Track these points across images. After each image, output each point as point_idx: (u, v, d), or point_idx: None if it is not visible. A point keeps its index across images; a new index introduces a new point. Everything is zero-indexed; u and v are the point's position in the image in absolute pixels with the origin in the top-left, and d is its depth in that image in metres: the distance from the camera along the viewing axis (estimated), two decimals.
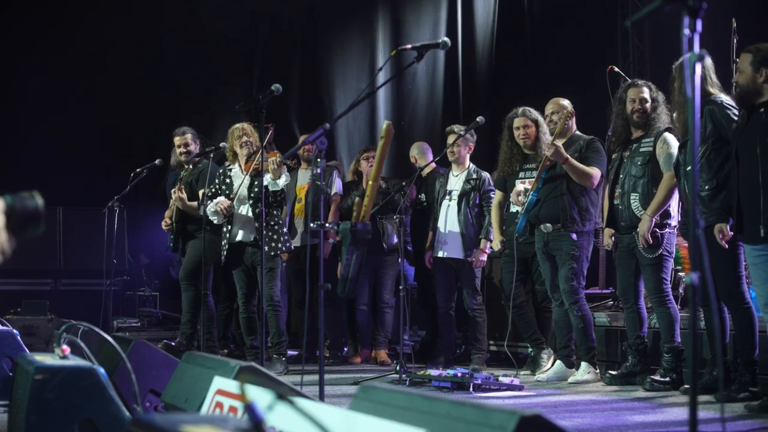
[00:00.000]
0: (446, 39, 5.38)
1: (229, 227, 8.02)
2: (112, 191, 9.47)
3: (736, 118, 5.88)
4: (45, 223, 2.35)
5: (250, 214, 7.97)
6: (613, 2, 12.04)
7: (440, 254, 8.36)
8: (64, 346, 3.75)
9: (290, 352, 8.49)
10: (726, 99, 6.07)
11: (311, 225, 5.56)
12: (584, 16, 11.90)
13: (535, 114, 7.59)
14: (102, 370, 3.57)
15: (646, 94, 6.87)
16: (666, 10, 2.53)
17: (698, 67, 2.50)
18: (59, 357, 3.70)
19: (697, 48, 2.52)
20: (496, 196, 8.02)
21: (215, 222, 7.99)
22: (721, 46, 7.85)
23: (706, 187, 5.95)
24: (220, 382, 3.58)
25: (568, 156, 7.07)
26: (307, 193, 8.94)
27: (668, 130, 6.72)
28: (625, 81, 7.67)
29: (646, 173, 6.74)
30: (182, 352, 6.60)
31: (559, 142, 7.16)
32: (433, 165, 8.91)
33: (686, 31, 2.49)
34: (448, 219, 8.34)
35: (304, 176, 9.09)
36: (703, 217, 5.90)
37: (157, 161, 9.07)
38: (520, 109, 7.63)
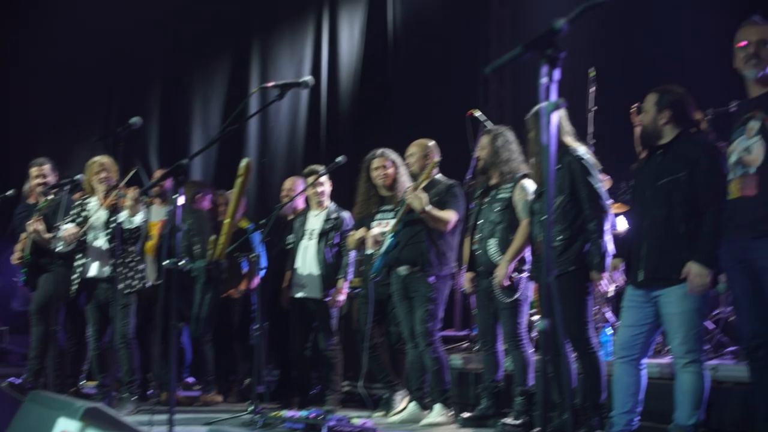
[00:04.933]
0: (309, 78, 5.36)
1: (83, 261, 7.82)
2: None
3: (591, 172, 6.02)
4: None
5: (105, 248, 7.79)
6: (476, 47, 12.26)
7: (297, 294, 8.28)
8: None
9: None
10: (583, 150, 6.20)
11: (166, 262, 5.43)
12: (448, 59, 12.06)
13: (393, 155, 7.62)
14: None
15: (500, 141, 6.95)
16: (525, 58, 2.56)
17: (555, 116, 2.51)
18: None
19: (554, 96, 2.54)
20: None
21: (60, 249, 7.78)
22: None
23: (559, 237, 6.05)
24: (64, 424, 3.44)
25: (426, 208, 7.10)
26: (161, 229, 8.77)
27: (526, 176, 6.82)
28: (485, 126, 7.76)
29: (504, 219, 6.82)
30: (28, 390, 6.37)
31: (421, 190, 7.18)
32: (299, 205, 8.85)
33: (544, 80, 2.51)
34: (307, 259, 8.27)
35: (157, 213, 8.91)
36: (554, 266, 5.99)
37: (9, 192, 8.79)
38: (379, 150, 7.66)
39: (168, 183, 8.22)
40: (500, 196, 6.89)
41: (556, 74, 2.52)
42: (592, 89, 8.18)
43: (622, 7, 2.48)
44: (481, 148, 6.99)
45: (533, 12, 12.13)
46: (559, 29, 2.54)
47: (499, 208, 6.86)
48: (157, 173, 9.43)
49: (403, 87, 12.51)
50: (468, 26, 12.83)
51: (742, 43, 4.98)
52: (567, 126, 6.32)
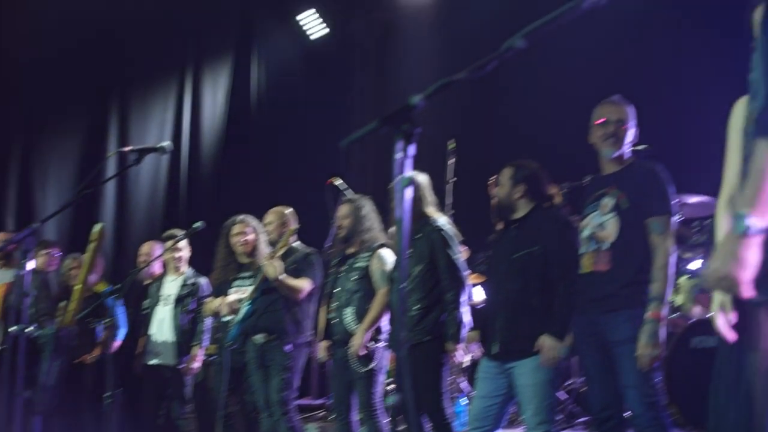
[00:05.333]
0: (167, 144, 5.29)
1: None
2: None
3: (450, 243, 6.09)
4: None
5: None
6: (339, 113, 12.35)
7: (151, 361, 8.09)
8: None
9: None
10: (443, 221, 6.26)
11: (13, 328, 5.23)
12: (311, 125, 12.11)
13: (255, 222, 7.58)
14: None
15: (359, 210, 6.98)
16: (381, 132, 2.56)
17: (408, 191, 2.52)
18: None
19: (409, 171, 2.55)
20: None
21: None
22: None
23: (416, 307, 6.08)
24: None
25: (280, 276, 7.06)
26: (6, 294, 8.47)
27: (383, 246, 6.85)
28: (345, 194, 7.78)
29: (361, 288, 6.82)
30: None
31: (278, 258, 7.13)
32: (156, 270, 8.70)
33: (399, 155, 2.52)
34: (162, 325, 8.12)
35: (2, 276, 8.58)
36: (409, 337, 6.01)
37: None
38: (240, 216, 7.62)
39: (15, 246, 7.98)
40: (358, 264, 6.90)
41: (411, 149, 2.53)
42: (451, 161, 8.31)
43: (481, 82, 2.53)
44: (342, 217, 6.99)
45: (396, 80, 12.32)
46: (415, 105, 2.55)
47: (356, 277, 6.86)
48: (1, 236, 9.14)
49: (266, 152, 12.49)
50: (332, 93, 12.94)
51: (601, 120, 5.12)
52: (429, 196, 6.40)
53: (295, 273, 7.19)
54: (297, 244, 7.49)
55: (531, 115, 10.18)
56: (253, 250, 7.54)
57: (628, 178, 5.04)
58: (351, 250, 6.98)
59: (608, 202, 5.04)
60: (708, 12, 9.05)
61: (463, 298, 6.09)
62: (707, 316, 7.00)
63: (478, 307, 7.66)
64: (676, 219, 5.01)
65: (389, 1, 12.46)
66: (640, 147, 5.68)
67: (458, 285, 6.09)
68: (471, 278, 7.71)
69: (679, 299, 7.54)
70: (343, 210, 7.03)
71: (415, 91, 2.60)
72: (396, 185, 2.53)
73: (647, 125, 5.40)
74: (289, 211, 7.56)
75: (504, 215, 5.73)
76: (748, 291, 2.55)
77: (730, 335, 2.98)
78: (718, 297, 3.17)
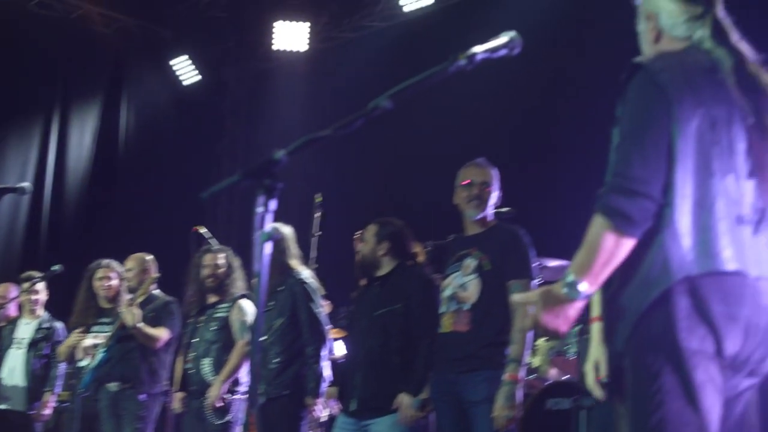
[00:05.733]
0: (26, 185, 5.18)
1: None
2: None
3: (313, 297, 6.08)
4: None
5: None
6: (208, 161, 12.27)
7: (1, 406, 7.83)
8: None
9: None
10: (307, 274, 6.25)
11: None
12: (178, 171, 11.98)
13: (119, 268, 7.45)
14: None
15: (222, 260, 6.92)
16: (243, 186, 2.54)
17: (268, 246, 2.50)
18: None
19: (271, 225, 2.53)
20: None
21: None
22: None
23: (276, 360, 6.03)
24: None
25: (138, 324, 6.92)
26: None
27: (244, 296, 6.79)
28: (210, 243, 7.70)
29: (220, 339, 6.73)
30: None
31: (137, 306, 7.02)
32: (12, 312, 8.44)
33: (260, 209, 2.50)
34: (13, 369, 7.88)
35: None
36: (267, 390, 5.97)
37: None
38: (105, 261, 7.50)
39: None
40: (217, 315, 6.82)
41: (273, 204, 2.51)
42: (317, 214, 8.30)
43: (348, 137, 2.55)
44: (206, 266, 6.91)
45: (268, 130, 12.31)
46: (278, 160, 2.54)
47: (215, 327, 6.77)
48: None
49: (131, 197, 12.29)
50: (201, 140, 12.85)
51: (466, 182, 5.19)
52: (294, 249, 6.39)
53: (154, 321, 7.08)
54: (157, 291, 7.38)
55: (398, 172, 10.29)
56: (115, 296, 7.40)
57: (490, 241, 5.11)
58: (211, 300, 6.90)
59: (470, 263, 5.10)
60: (577, 78, 9.29)
61: (324, 352, 6.07)
62: (563, 378, 7.11)
63: (339, 362, 7.63)
64: (536, 282, 5.10)
65: (263, 51, 12.47)
66: (503, 209, 5.77)
67: (319, 339, 6.07)
68: (332, 333, 7.70)
69: (537, 361, 7.64)
70: (207, 259, 6.96)
71: (287, 142, 2.60)
72: (256, 239, 2.51)
73: (511, 188, 5.50)
74: (150, 258, 7.45)
75: (367, 272, 5.75)
76: (564, 335, 2.79)
77: (600, 393, 3.17)
78: (593, 355, 3.35)
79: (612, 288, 2.76)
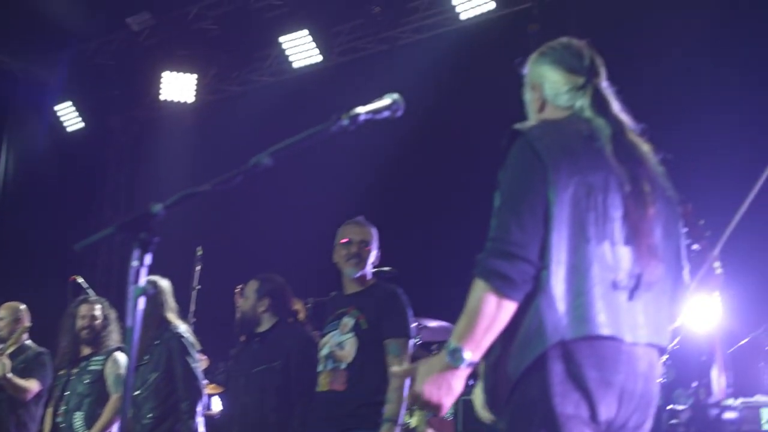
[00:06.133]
0: None
1: None
2: None
3: (189, 352, 5.99)
4: None
5: None
6: (89, 209, 12.05)
7: None
8: None
9: None
10: (183, 328, 6.17)
11: None
12: (58, 219, 11.74)
13: None
14: None
15: (98, 311, 6.79)
16: (117, 239, 2.50)
17: (141, 301, 2.47)
18: None
19: (144, 280, 2.50)
20: None
21: None
22: None
23: (149, 415, 5.92)
24: None
25: (8, 375, 6.73)
26: None
27: (119, 349, 6.66)
28: (86, 294, 7.54)
29: (93, 392, 6.57)
30: None
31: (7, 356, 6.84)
32: None
33: (134, 263, 2.46)
34: None
35: None
36: None
37: None
38: None
39: None
40: (91, 367, 6.67)
41: (148, 258, 2.48)
42: (198, 267, 8.21)
43: (231, 191, 2.53)
44: (81, 317, 6.76)
45: (152, 179, 12.16)
46: (155, 213, 2.51)
47: (88, 380, 6.61)
48: None
49: (7, 244, 11.97)
50: (82, 188, 12.63)
51: (345, 240, 5.20)
52: (171, 302, 6.30)
53: (24, 372, 6.91)
54: (29, 342, 7.21)
55: (280, 227, 10.25)
56: None
57: (368, 299, 5.12)
58: (86, 352, 6.75)
59: (348, 321, 5.10)
60: (460, 140, 9.41)
61: (199, 408, 5.97)
62: None
63: (215, 418, 7.53)
64: (413, 342, 5.11)
65: (150, 101, 12.34)
66: (383, 269, 5.79)
67: (194, 394, 5.97)
68: (209, 389, 7.61)
69: (414, 421, 7.65)
70: (83, 310, 6.81)
71: (171, 193, 2.57)
72: (130, 294, 2.48)
73: (390, 248, 5.53)
74: (23, 307, 7.29)
75: (248, 328, 5.71)
76: (445, 412, 2.74)
77: None
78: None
79: (493, 354, 2.75)
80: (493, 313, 2.64)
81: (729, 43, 7.82)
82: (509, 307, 2.66)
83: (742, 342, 6.25)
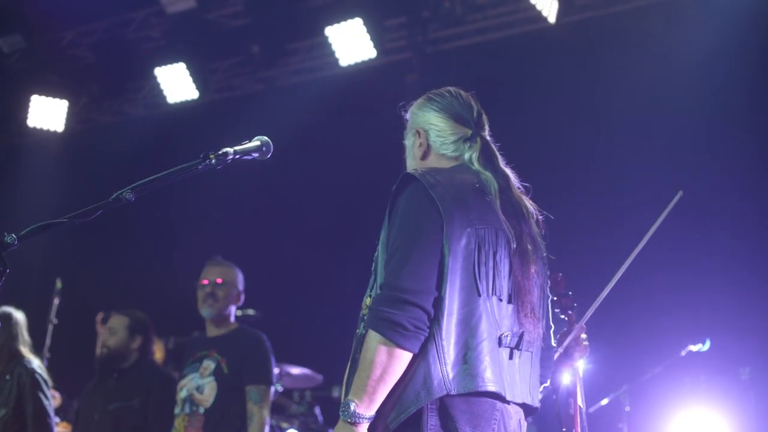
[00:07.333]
0: None
1: None
2: None
3: (42, 387, 5.77)
4: None
5: None
6: None
7: None
8: None
9: None
10: (36, 363, 5.95)
11: None
12: None
13: None
14: None
15: None
16: None
17: None
18: None
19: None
20: None
21: None
22: None
23: None
24: None
25: None
26: None
27: None
28: None
29: None
30: None
31: None
32: None
33: None
34: None
35: None
36: None
37: None
38: None
39: None
40: None
41: None
42: (56, 300, 7.95)
43: (93, 224, 2.45)
44: None
45: (12, 209, 11.82)
46: (9, 244, 2.40)
47: None
48: None
49: None
50: None
51: (203, 282, 5.12)
52: (25, 335, 6.06)
53: None
54: None
55: (142, 264, 10.02)
56: None
57: (231, 343, 5.03)
58: None
59: (209, 364, 5.00)
60: (338, 184, 9.36)
61: None
62: None
63: None
64: (275, 389, 5.04)
65: (17, 126, 11.98)
66: (248, 311, 5.72)
67: None
68: (60, 427, 7.36)
69: None
70: None
71: (33, 222, 2.47)
72: None
73: (255, 290, 5.45)
74: None
75: (114, 365, 5.56)
76: None
77: None
78: None
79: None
80: (385, 363, 2.57)
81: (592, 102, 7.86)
82: (403, 357, 2.59)
83: (603, 402, 6.34)
